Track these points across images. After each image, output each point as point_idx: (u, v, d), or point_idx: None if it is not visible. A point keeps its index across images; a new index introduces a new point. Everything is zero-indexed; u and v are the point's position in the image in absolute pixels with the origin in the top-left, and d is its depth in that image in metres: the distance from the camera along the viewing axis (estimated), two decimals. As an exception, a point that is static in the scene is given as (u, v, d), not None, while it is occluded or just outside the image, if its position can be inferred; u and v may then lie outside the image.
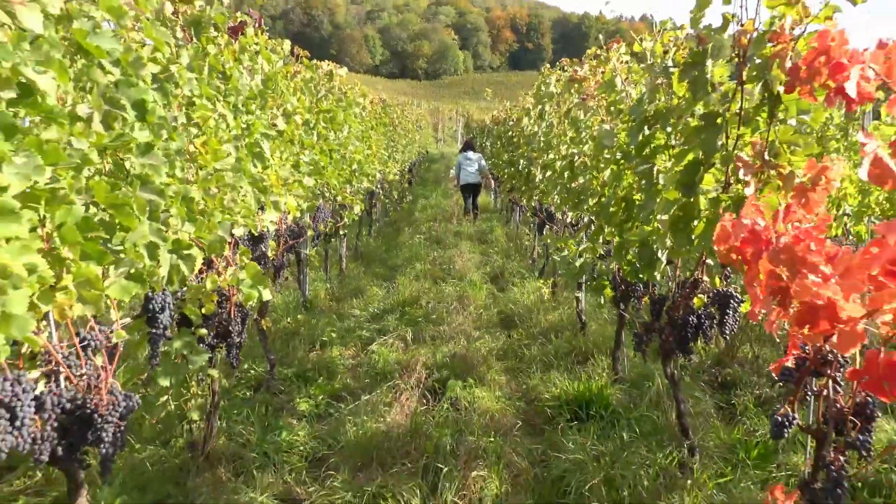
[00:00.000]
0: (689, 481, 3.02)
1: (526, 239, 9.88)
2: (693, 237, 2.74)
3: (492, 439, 3.65)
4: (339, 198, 6.72)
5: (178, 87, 2.78)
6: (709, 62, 2.53)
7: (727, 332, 2.70)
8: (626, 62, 4.12)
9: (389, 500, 3.12)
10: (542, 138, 6.73)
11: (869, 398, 1.96)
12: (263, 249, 4.14)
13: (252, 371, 4.79)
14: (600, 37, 4.51)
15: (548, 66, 6.47)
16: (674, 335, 3.06)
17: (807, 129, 2.42)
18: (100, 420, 1.96)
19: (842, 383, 2.00)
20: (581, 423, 3.83)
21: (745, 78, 2.51)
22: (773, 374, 2.00)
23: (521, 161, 8.04)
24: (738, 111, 2.57)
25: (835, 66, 1.81)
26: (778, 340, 5.12)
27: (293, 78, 4.62)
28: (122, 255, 2.16)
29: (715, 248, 2.16)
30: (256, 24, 3.55)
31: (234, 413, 4.04)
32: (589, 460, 3.28)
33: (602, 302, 6.48)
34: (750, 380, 4.51)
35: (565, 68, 5.28)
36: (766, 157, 2.46)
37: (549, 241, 7.92)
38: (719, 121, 2.57)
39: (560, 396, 4.15)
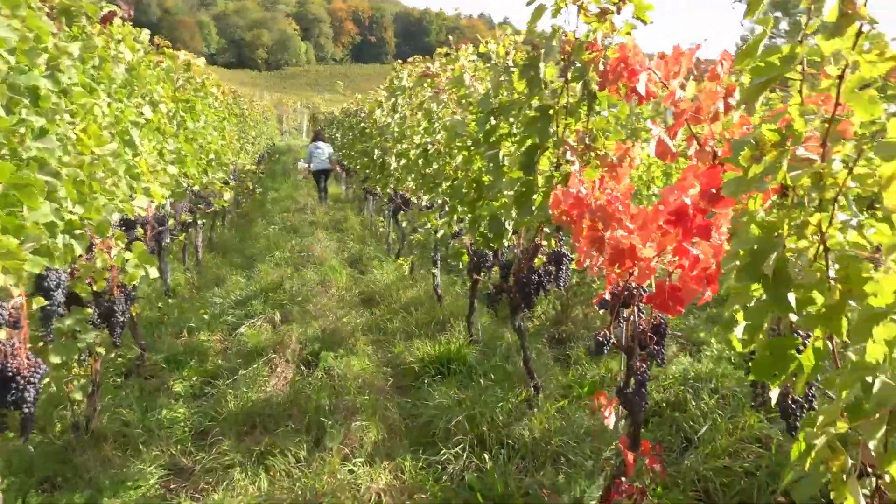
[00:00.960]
0: (535, 410, 3.64)
1: (381, 226, 10.32)
2: (533, 209, 3.32)
3: (367, 397, 4.06)
4: (196, 187, 6.75)
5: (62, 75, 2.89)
6: (542, 64, 3.10)
7: (562, 284, 3.32)
8: (473, 61, 4.68)
9: (278, 456, 3.43)
10: (395, 129, 7.19)
11: (662, 320, 2.62)
12: (135, 235, 4.23)
13: (120, 359, 4.80)
14: (450, 37, 5.07)
15: (399, 61, 6.93)
16: (520, 293, 3.65)
17: (615, 120, 3.06)
18: (22, 382, 2.13)
19: (643, 310, 2.65)
20: (444, 378, 4.35)
21: (569, 78, 3.12)
22: (595, 304, 2.61)
23: (376, 151, 8.45)
24: (564, 105, 3.18)
25: (630, 71, 2.42)
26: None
27: (156, 67, 4.69)
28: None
29: (550, 212, 2.74)
30: (127, 15, 3.66)
31: (108, 398, 4.10)
32: (453, 405, 3.80)
33: (455, 278, 7.09)
34: (581, 334, 5.29)
35: (418, 64, 5.77)
36: (587, 142, 3.08)
37: (405, 222, 8.42)
38: (551, 112, 3.16)
39: (423, 359, 4.64)
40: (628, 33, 2.83)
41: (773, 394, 1.75)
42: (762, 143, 1.63)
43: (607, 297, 2.55)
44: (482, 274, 4.87)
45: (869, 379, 1.07)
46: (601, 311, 2.58)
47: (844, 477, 1.05)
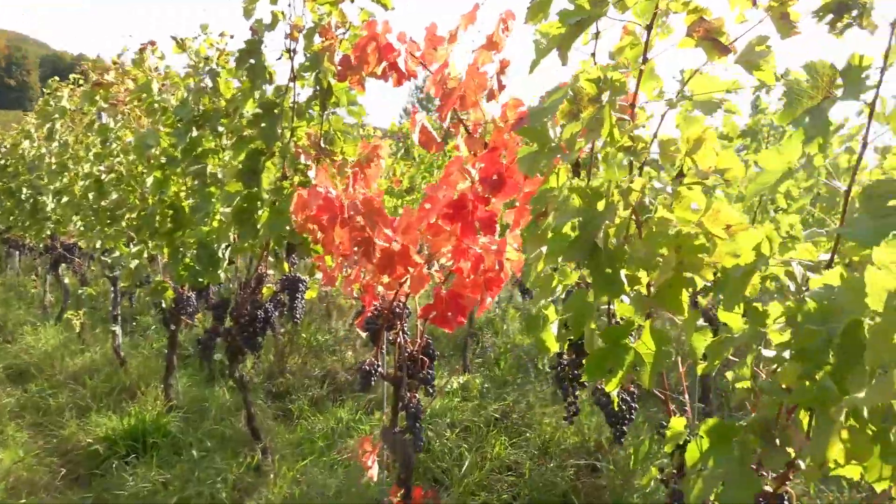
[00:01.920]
0: (272, 476, 2.97)
1: (32, 286, 8.39)
2: (259, 227, 2.75)
3: (23, 501, 2.93)
4: None
5: None
6: (264, 49, 2.60)
7: (298, 315, 2.77)
8: (159, 69, 3.92)
9: None
10: (52, 161, 5.87)
11: (429, 341, 2.27)
12: None
13: None
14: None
15: (56, 78, 5.71)
16: (241, 334, 2.99)
17: (356, 122, 2.69)
18: None
19: (409, 332, 2.27)
20: (140, 456, 3.40)
21: (296, 72, 2.67)
22: (359, 329, 2.14)
23: (24, 190, 6.82)
24: (292, 104, 2.71)
25: (386, 46, 2.07)
26: (322, 349, 5.52)
27: None
28: None
29: (294, 218, 2.23)
30: None
31: None
32: (157, 489, 2.93)
33: (140, 339, 5.97)
34: (302, 385, 4.73)
35: (85, 79, 4.72)
36: (322, 146, 2.65)
37: (67, 278, 6.89)
38: (277, 111, 2.66)
39: (108, 437, 3.60)
40: (365, 20, 2.50)
41: (613, 394, 1.49)
42: (581, 96, 1.39)
43: (371, 315, 2.11)
44: (182, 324, 4.03)
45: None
46: (365, 335, 2.12)
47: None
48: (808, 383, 0.81)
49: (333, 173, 2.70)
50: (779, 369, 1.14)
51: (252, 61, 2.60)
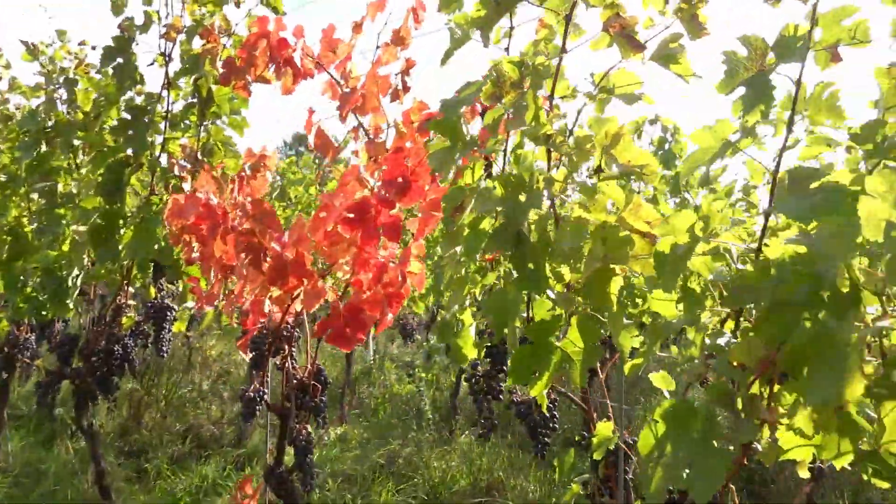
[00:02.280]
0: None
1: None
2: (120, 248, 2.42)
3: None
4: None
5: None
6: (135, 47, 2.35)
7: (165, 349, 2.44)
8: (3, 79, 3.49)
9: None
10: None
11: (321, 367, 2.06)
12: None
13: None
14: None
15: None
16: (93, 374, 2.60)
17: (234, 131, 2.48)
18: None
19: (297, 357, 2.05)
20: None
21: (172, 79, 2.44)
22: (242, 351, 1.90)
23: None
24: (165, 112, 2.46)
25: (280, 42, 1.92)
26: (182, 406, 5.01)
27: None
28: None
29: (169, 228, 1.99)
30: None
31: None
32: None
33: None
34: (161, 441, 4.23)
35: None
36: (200, 157, 2.41)
37: None
38: (147, 118, 2.40)
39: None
40: (252, 26, 2.33)
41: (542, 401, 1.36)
42: (503, 79, 1.32)
43: (257, 333, 1.88)
44: (16, 371, 3.48)
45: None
46: (250, 356, 1.88)
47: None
48: (808, 324, 0.73)
49: (217, 187, 2.46)
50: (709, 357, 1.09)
51: (120, 60, 2.33)
